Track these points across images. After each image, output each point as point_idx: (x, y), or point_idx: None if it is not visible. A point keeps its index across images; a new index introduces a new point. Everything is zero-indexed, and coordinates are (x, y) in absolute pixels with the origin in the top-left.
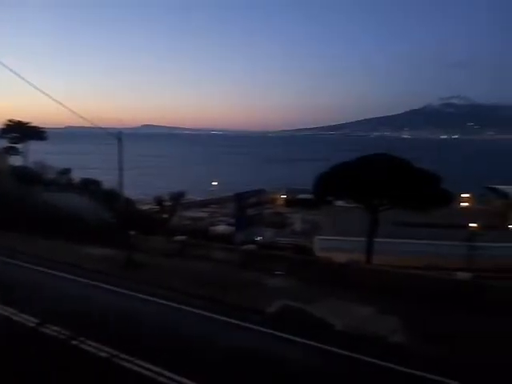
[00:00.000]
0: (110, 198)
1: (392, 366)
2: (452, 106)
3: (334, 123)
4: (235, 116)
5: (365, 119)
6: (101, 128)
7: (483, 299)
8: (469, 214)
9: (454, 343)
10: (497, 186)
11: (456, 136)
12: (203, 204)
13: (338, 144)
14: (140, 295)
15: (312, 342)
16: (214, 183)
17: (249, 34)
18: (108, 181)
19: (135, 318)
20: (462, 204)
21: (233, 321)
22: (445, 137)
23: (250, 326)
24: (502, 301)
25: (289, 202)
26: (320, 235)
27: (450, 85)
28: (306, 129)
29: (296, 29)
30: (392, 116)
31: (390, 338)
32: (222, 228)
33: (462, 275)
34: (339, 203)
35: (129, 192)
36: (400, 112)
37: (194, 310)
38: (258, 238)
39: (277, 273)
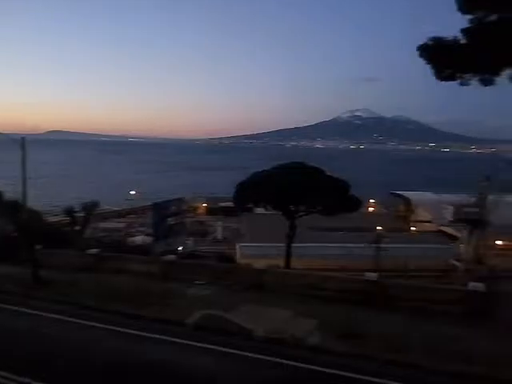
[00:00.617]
0: (13, 209)
1: (309, 366)
2: (359, 118)
3: (255, 132)
4: (158, 123)
5: (281, 129)
6: None
7: (387, 297)
8: (375, 218)
9: (363, 341)
10: (400, 192)
11: (363, 146)
12: (120, 214)
13: (258, 153)
14: (46, 314)
15: (231, 350)
16: (131, 192)
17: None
18: (10, 191)
19: (41, 340)
20: (369, 209)
21: (150, 335)
22: (353, 147)
23: (168, 338)
24: (402, 298)
25: (210, 210)
26: (241, 242)
27: (356, 98)
28: (232, 137)
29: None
30: (306, 127)
31: (307, 340)
32: (140, 239)
33: (370, 275)
34: (259, 210)
35: (35, 203)
36: (313, 123)
37: (108, 327)
38: (179, 248)
39: (197, 282)
